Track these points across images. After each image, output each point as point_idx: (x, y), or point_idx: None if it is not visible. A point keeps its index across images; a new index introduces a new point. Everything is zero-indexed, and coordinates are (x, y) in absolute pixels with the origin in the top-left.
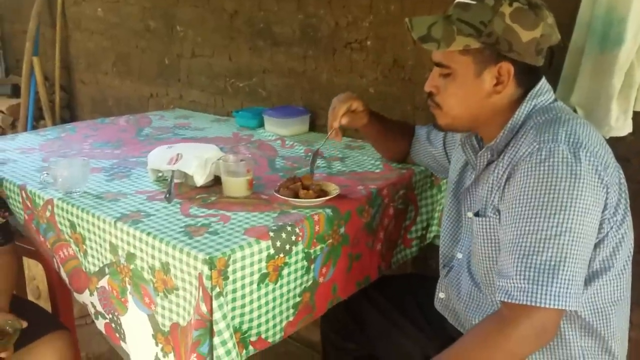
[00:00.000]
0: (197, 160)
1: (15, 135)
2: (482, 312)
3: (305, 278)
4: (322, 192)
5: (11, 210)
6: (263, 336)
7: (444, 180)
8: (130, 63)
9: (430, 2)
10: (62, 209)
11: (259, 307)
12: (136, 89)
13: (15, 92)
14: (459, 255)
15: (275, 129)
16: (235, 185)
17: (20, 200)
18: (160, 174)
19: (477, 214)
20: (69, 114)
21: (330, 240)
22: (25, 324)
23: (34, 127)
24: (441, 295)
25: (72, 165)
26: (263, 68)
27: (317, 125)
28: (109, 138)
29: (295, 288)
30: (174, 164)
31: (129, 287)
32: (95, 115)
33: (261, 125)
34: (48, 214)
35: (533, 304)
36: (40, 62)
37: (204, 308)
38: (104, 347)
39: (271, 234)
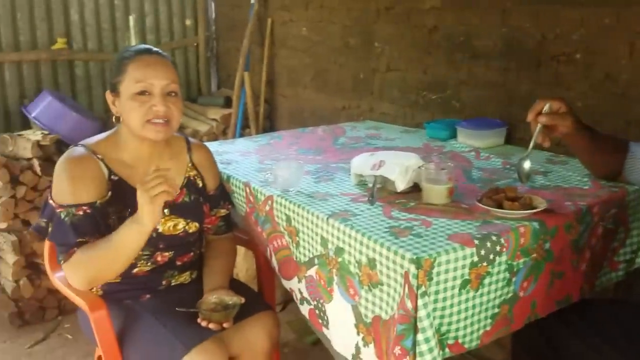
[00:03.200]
0: (398, 167)
1: (234, 140)
2: None
3: (505, 290)
4: (527, 205)
5: (234, 203)
6: (460, 341)
7: None
8: (327, 78)
9: None
10: (281, 204)
11: (459, 312)
12: (330, 101)
13: (227, 103)
14: None
15: (469, 140)
16: (436, 193)
17: (244, 195)
18: (361, 179)
19: None
20: (269, 124)
21: (535, 255)
22: (243, 300)
23: (241, 135)
24: None
25: (290, 167)
26: (459, 80)
27: (514, 138)
28: (310, 145)
29: (495, 298)
30: (377, 169)
31: (335, 278)
32: (292, 125)
33: (452, 136)
34: (267, 208)
35: None
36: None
37: (409, 304)
38: (290, 337)
39: (476, 241)
